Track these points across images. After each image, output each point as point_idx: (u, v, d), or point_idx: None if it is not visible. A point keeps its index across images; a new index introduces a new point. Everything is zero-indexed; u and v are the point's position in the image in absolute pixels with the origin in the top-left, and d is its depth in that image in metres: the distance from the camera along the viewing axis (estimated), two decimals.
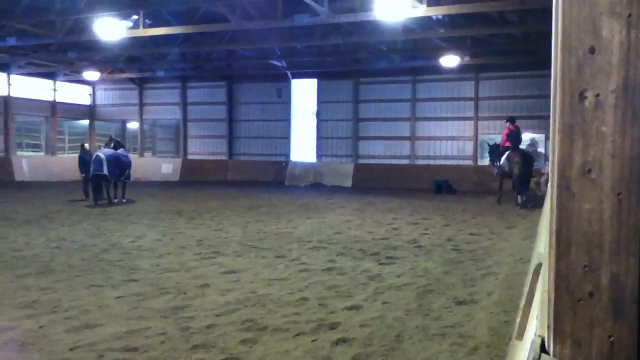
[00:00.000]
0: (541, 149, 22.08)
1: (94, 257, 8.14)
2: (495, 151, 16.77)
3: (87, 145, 17.69)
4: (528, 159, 15.68)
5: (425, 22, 17.94)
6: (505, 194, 17.06)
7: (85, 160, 16.22)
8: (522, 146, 17.09)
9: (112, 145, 16.31)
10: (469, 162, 23.78)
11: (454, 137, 24.15)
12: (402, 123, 24.99)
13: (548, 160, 22.07)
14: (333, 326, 5.01)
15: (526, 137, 22.62)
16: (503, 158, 15.89)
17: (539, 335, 1.50)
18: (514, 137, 16.00)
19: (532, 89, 22.29)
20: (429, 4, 13.80)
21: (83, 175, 16.58)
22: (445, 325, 5.06)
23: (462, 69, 22.57)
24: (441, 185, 21.12)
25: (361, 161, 25.38)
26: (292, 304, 5.71)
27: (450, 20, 18.05)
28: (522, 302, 2.64)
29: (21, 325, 4.94)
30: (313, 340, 4.65)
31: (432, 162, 24.18)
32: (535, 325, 1.78)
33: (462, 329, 4.99)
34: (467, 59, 21.31)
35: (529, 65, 21.82)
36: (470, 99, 23.87)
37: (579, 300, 1.38)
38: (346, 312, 5.44)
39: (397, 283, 6.66)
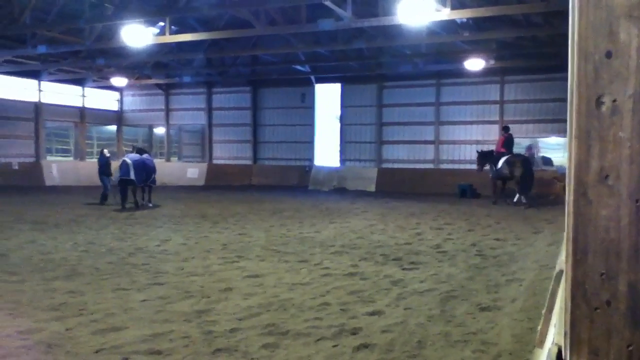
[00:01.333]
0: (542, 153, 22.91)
1: (120, 261, 8.27)
2: (489, 157, 17.94)
3: (106, 151, 17.77)
4: (528, 163, 17.16)
5: (449, 26, 17.84)
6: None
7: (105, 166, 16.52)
8: (520, 150, 18.27)
9: (135, 152, 16.59)
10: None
11: (479, 141, 23.90)
12: (426, 127, 24.83)
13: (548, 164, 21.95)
14: (354, 331, 5.00)
15: (551, 141, 22.32)
16: (501, 162, 17.06)
17: (555, 344, 1.48)
18: (509, 143, 17.71)
19: (558, 92, 21.95)
20: (453, 7, 13.71)
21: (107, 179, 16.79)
22: (468, 332, 5.01)
23: (487, 72, 22.36)
24: (465, 189, 20.92)
25: (385, 166, 25.29)
26: (314, 309, 5.71)
27: (475, 23, 17.91)
28: (544, 310, 2.60)
29: (48, 327, 5.04)
30: (334, 346, 4.65)
31: (456, 166, 23.98)
32: (553, 333, 1.76)
33: (485, 335, 4.94)
34: (492, 62, 21.10)
35: (555, 68, 21.51)
36: (495, 102, 23.61)
37: (596, 308, 1.36)
38: (368, 318, 5.42)
39: (419, 289, 6.62)
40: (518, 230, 11.88)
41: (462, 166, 23.84)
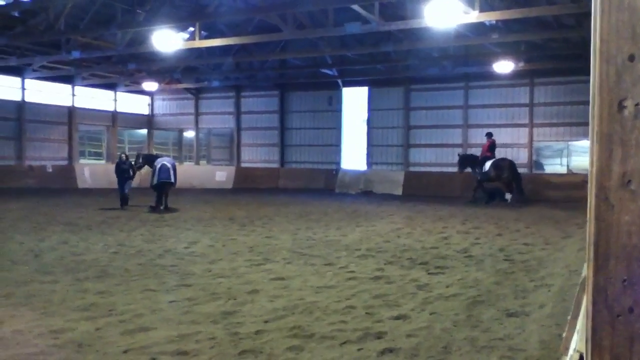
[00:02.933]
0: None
1: (149, 262, 8.41)
2: (470, 160, 19.48)
3: (123, 156, 17.52)
4: (515, 165, 18.73)
5: (477, 28, 17.69)
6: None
7: (122, 170, 16.31)
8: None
9: (140, 160, 16.70)
10: (524, 170, 23.17)
11: (508, 144, 23.60)
12: (454, 130, 24.63)
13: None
14: (380, 335, 4.99)
15: (582, 144, 21.97)
16: (488, 165, 18.51)
17: (577, 351, 1.47)
18: (493, 148, 19.29)
19: (589, 95, 21.54)
20: (482, 9, 13.58)
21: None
22: (495, 338, 4.95)
23: (516, 74, 22.08)
24: (494, 193, 20.64)
25: (412, 169, 25.15)
26: (339, 312, 5.72)
27: (504, 25, 17.70)
28: (570, 316, 2.57)
29: (79, 327, 5.15)
30: (359, 349, 4.64)
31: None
32: (576, 340, 1.74)
33: (512, 341, 4.87)
34: (521, 64, 20.82)
35: (587, 70, 20.89)
36: (525, 105, 23.29)
37: (617, 315, 1.34)
38: (393, 322, 5.40)
39: (446, 293, 6.56)
40: (547, 234, 11.68)
41: None
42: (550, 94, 22.88)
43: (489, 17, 14.36)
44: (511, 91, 23.56)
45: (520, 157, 23.41)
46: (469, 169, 19.56)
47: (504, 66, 20.32)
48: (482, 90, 24.16)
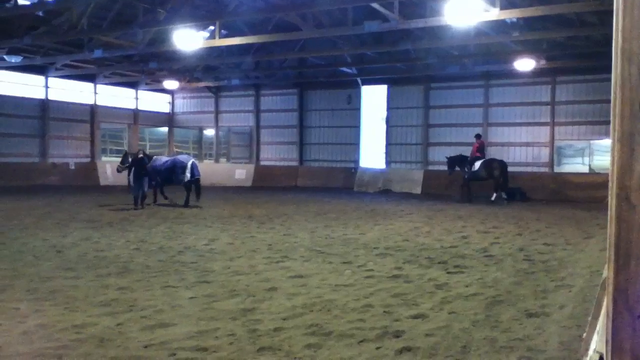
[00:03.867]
0: None
1: (169, 259, 8.50)
2: (459, 161, 20.24)
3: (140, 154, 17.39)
4: (504, 165, 19.40)
5: (498, 26, 17.51)
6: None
7: (141, 167, 16.07)
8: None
9: (140, 156, 16.39)
10: (545, 169, 22.92)
11: (529, 143, 23.36)
12: (474, 129, 24.37)
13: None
14: (398, 334, 4.98)
15: (605, 143, 21.65)
16: (478, 165, 19.33)
17: (597, 351, 1.46)
18: (482, 149, 20.11)
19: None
20: (503, 7, 13.45)
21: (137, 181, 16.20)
22: (514, 338, 4.92)
23: (537, 72, 21.83)
24: (514, 192, 20.46)
25: (431, 168, 25.01)
26: (357, 311, 5.73)
27: (525, 23, 17.50)
28: (590, 317, 2.55)
29: (100, 322, 5.23)
30: (377, 348, 4.65)
31: None
32: (596, 340, 1.73)
33: (531, 342, 4.84)
34: (543, 62, 20.57)
35: (610, 68, 20.67)
36: (546, 103, 23.01)
37: (638, 316, 1.33)
38: (411, 321, 5.40)
39: (465, 293, 6.53)
40: (568, 234, 11.55)
41: (511, 169, 23.32)
42: (572, 92, 22.58)
43: (510, 15, 14.21)
44: (532, 89, 23.30)
45: (541, 156, 23.16)
46: (457, 169, 20.34)
47: (525, 64, 20.10)
48: (502, 88, 23.94)
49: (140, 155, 16.36)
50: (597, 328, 1.79)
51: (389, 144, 26.31)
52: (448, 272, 7.69)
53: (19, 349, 4.51)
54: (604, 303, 2.12)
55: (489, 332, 5.07)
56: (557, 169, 22.90)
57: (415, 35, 19.82)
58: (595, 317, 2.32)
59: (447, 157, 21.00)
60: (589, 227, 12.89)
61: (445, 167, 21.21)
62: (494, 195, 19.20)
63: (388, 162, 26.30)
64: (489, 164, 19.29)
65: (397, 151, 26.13)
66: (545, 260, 8.71)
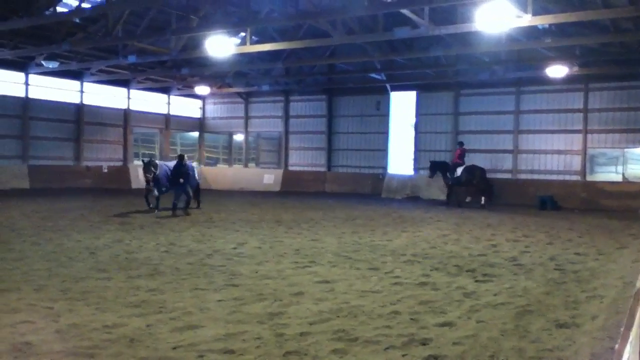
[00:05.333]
0: None
1: (198, 262, 8.62)
2: (441, 166, 21.20)
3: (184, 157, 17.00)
4: (484, 172, 20.51)
5: (530, 32, 17.28)
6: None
7: (181, 172, 15.68)
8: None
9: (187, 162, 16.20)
10: (577, 178, 22.50)
11: (561, 150, 22.97)
12: (505, 136, 24.15)
13: None
14: (424, 342, 4.97)
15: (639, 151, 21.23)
16: (460, 171, 20.39)
17: None
18: (463, 156, 21.10)
19: None
20: (535, 13, 13.28)
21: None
22: (544, 349, 4.86)
23: (570, 79, 21.46)
24: (545, 201, 20.13)
25: None
26: (384, 317, 5.72)
27: (558, 29, 17.24)
28: (623, 328, 2.51)
29: (131, 323, 5.34)
30: (404, 355, 4.64)
31: (536, 176, 23.13)
32: (628, 351, 1.71)
33: (561, 353, 4.77)
34: (575, 69, 20.23)
35: None
36: (579, 110, 22.60)
37: None
38: (438, 329, 5.37)
39: (493, 302, 6.47)
40: (601, 244, 11.32)
41: (542, 177, 22.99)
42: (606, 99, 22.13)
43: (543, 21, 14.01)
44: (564, 96, 22.92)
45: (573, 164, 22.75)
46: (439, 174, 21.35)
47: (557, 71, 19.79)
48: (534, 95, 23.60)
49: (187, 162, 16.09)
50: (630, 339, 1.78)
51: (417, 150, 26.16)
52: (476, 281, 7.62)
53: (53, 347, 4.63)
54: (638, 314, 2.09)
55: (518, 342, 5.01)
56: (589, 177, 22.46)
57: (445, 41, 19.71)
58: (628, 328, 2.29)
59: (430, 161, 21.89)
60: (622, 237, 12.61)
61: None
62: (483, 199, 20.09)
63: (416, 169, 26.14)
64: (469, 170, 20.38)
65: (426, 158, 25.92)
66: (577, 270, 8.56)
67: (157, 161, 16.45)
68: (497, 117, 24.29)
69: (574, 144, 22.71)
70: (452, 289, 7.07)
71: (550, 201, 20.17)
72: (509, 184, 23.16)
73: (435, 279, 7.65)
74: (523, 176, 23.52)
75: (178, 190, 15.52)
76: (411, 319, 5.68)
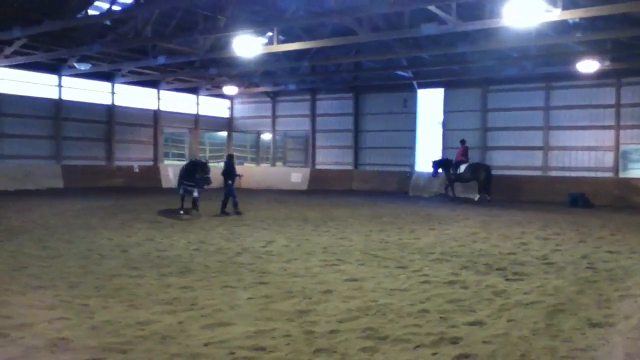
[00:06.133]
0: None
1: (228, 260, 8.72)
2: (447, 164, 21.80)
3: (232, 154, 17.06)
4: (489, 169, 21.28)
5: (560, 26, 16.96)
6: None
7: (233, 172, 15.63)
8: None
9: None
10: (609, 174, 22.03)
11: (592, 147, 22.53)
12: (534, 132, 23.80)
13: None
14: (454, 340, 4.94)
15: None
16: (463, 168, 21.15)
17: None
18: (467, 153, 21.69)
19: None
20: (565, 7, 13.02)
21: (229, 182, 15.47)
22: (576, 348, 4.79)
23: (601, 74, 21.00)
24: (576, 198, 19.77)
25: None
26: (413, 315, 5.71)
27: (588, 23, 16.87)
28: None
29: (163, 320, 5.43)
30: (434, 354, 4.62)
31: (566, 173, 22.74)
32: None
33: (594, 353, 4.70)
34: (607, 63, 19.78)
35: None
36: (611, 106, 22.14)
37: None
38: (468, 327, 5.34)
39: (524, 300, 6.40)
40: (634, 242, 11.07)
41: (573, 173, 22.58)
42: (639, 94, 21.63)
43: (573, 15, 13.74)
44: (596, 91, 22.48)
45: (605, 160, 22.30)
46: (442, 172, 22.00)
47: (588, 66, 19.38)
48: (564, 90, 23.20)
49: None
50: None
51: (445, 147, 25.95)
52: (507, 279, 7.54)
53: (88, 342, 4.75)
54: None
55: (550, 342, 4.95)
56: (622, 174, 21.98)
57: (472, 37, 19.47)
58: None
59: (432, 161, 22.42)
60: None
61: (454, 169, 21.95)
62: (477, 196, 20.90)
63: None
64: (473, 167, 21.12)
65: (453, 155, 25.73)
66: (609, 268, 8.40)
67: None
68: (526, 114, 23.96)
69: (606, 140, 22.26)
70: (481, 288, 7.01)
71: (581, 198, 19.81)
72: (538, 181, 22.84)
73: (465, 278, 7.60)
74: (553, 173, 23.16)
75: (230, 189, 15.34)
76: (440, 317, 5.66)
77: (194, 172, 14.61)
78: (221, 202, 15.32)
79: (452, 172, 21.60)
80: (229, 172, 15.42)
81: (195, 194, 14.62)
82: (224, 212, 15.12)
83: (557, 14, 13.02)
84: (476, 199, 20.82)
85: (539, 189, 22.11)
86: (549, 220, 15.07)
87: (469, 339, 4.97)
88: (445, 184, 22.15)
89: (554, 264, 8.76)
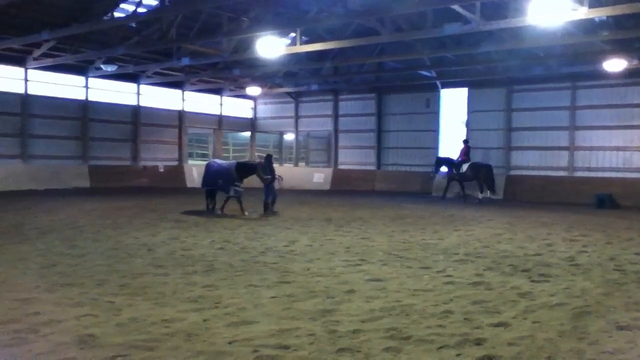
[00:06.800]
0: None
1: (251, 259, 8.78)
2: (450, 163, 22.29)
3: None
4: (491, 168, 21.69)
5: (586, 25, 16.71)
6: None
7: (272, 171, 15.80)
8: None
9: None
10: (638, 175, 21.61)
11: (620, 147, 22.11)
12: (560, 132, 23.45)
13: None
14: (478, 342, 4.91)
15: None
16: (466, 167, 21.61)
17: None
18: (468, 153, 22.21)
19: None
20: (591, 5, 12.84)
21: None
22: (604, 351, 4.72)
23: (629, 73, 20.60)
24: (603, 199, 19.44)
25: (514, 172, 24.25)
26: (437, 316, 5.69)
27: (615, 21, 16.60)
28: None
29: (188, 318, 5.49)
30: (458, 355, 4.60)
31: (593, 174, 22.36)
32: None
33: (623, 356, 4.63)
34: (635, 62, 19.41)
35: None
36: (639, 105, 21.71)
37: None
38: (493, 329, 5.30)
39: (550, 302, 6.32)
40: None
41: (600, 174, 22.20)
42: None
43: (599, 13, 13.52)
44: (623, 91, 22.05)
45: (633, 161, 21.87)
46: (443, 170, 22.70)
47: (615, 64, 19.03)
48: (590, 90, 22.82)
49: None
50: None
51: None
52: (532, 281, 7.46)
53: (115, 339, 4.82)
54: None
55: (576, 344, 4.89)
56: None
57: (497, 36, 19.30)
58: None
59: (436, 157, 23.35)
60: None
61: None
62: (480, 195, 21.20)
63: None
64: (475, 167, 21.53)
65: (477, 155, 25.49)
66: (638, 270, 8.25)
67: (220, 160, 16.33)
68: (552, 113, 23.62)
69: (634, 140, 21.83)
70: (506, 289, 6.95)
71: (608, 200, 19.47)
72: (564, 181, 22.52)
73: (489, 279, 7.54)
74: (579, 174, 22.80)
75: (271, 188, 15.55)
76: (465, 318, 5.62)
77: (248, 173, 14.94)
78: (264, 203, 15.51)
79: (454, 171, 22.07)
80: (270, 172, 15.55)
81: (235, 194, 14.81)
82: (270, 211, 15.36)
83: (583, 12, 12.84)
84: (480, 197, 21.11)
85: (565, 190, 21.81)
86: (575, 221, 14.85)
87: (494, 341, 4.94)
88: (445, 185, 22.64)
89: (580, 265, 8.63)
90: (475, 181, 21.57)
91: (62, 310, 5.66)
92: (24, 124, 23.06)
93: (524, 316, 5.74)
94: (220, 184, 14.99)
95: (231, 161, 16.96)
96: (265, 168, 15.35)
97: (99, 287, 6.73)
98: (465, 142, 22.81)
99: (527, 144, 24.31)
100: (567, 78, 22.92)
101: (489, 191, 21.40)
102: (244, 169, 15.06)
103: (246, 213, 14.74)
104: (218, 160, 17.11)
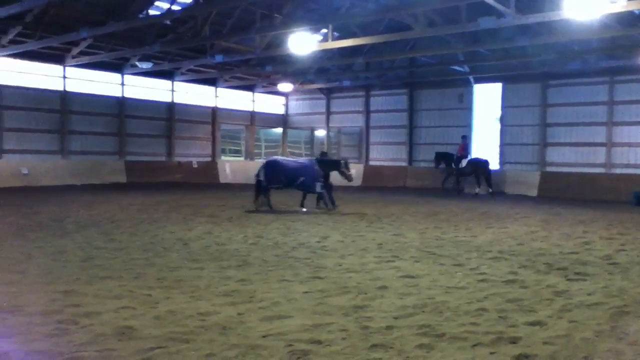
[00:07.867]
0: None
1: (284, 254, 8.85)
2: (445, 157, 23.29)
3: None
4: (488, 164, 22.75)
5: (625, 18, 16.28)
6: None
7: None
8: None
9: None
10: None
11: None
12: (597, 128, 22.93)
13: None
14: (513, 340, 4.85)
15: None
16: (465, 163, 22.72)
17: None
18: (467, 149, 23.73)
19: None
20: None
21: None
22: None
23: None
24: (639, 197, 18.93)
25: (549, 169, 23.80)
26: (470, 314, 5.64)
27: None
28: None
29: (223, 311, 5.56)
30: (492, 353, 4.56)
31: (631, 170, 21.80)
32: None
33: None
34: None
35: None
36: None
37: None
38: (528, 328, 5.23)
39: (587, 301, 6.20)
40: None
41: (638, 171, 21.63)
42: None
43: (638, 6, 13.17)
44: None
45: None
46: (443, 165, 23.48)
47: None
48: (629, 84, 22.25)
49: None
50: None
51: (503, 144, 25.37)
52: (568, 279, 7.33)
53: (152, 331, 4.92)
54: None
55: (615, 344, 4.80)
56: None
57: (532, 30, 18.96)
58: None
59: (436, 153, 23.91)
60: None
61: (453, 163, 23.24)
62: (477, 189, 22.31)
63: (502, 163, 25.37)
64: (473, 162, 22.67)
65: (511, 151, 25.18)
66: None
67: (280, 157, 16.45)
68: (589, 109, 23.14)
69: None
70: (541, 287, 6.85)
71: (636, 197, 18.96)
72: (601, 178, 22.02)
73: (524, 277, 7.44)
74: (617, 171, 22.27)
75: (328, 185, 15.63)
76: (499, 316, 5.56)
77: (331, 169, 15.39)
78: (328, 199, 15.59)
79: (453, 166, 23.07)
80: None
81: (322, 190, 15.19)
82: (333, 206, 15.48)
83: (622, 5, 12.53)
84: (476, 191, 22.31)
85: (602, 187, 21.32)
86: (613, 219, 14.51)
87: (529, 339, 4.88)
88: (443, 176, 23.78)
89: (618, 264, 8.44)
90: (472, 176, 22.60)
91: (101, 302, 5.80)
92: (63, 121, 23.68)
93: (560, 315, 5.65)
94: (303, 181, 15.08)
95: (304, 159, 17.03)
96: (341, 164, 15.67)
97: (136, 280, 6.88)
98: (464, 138, 23.98)
99: (562, 140, 23.85)
100: (604, 72, 22.40)
101: (488, 187, 22.36)
102: (328, 165, 15.47)
103: (333, 207, 15.23)
104: (283, 158, 17.13)
